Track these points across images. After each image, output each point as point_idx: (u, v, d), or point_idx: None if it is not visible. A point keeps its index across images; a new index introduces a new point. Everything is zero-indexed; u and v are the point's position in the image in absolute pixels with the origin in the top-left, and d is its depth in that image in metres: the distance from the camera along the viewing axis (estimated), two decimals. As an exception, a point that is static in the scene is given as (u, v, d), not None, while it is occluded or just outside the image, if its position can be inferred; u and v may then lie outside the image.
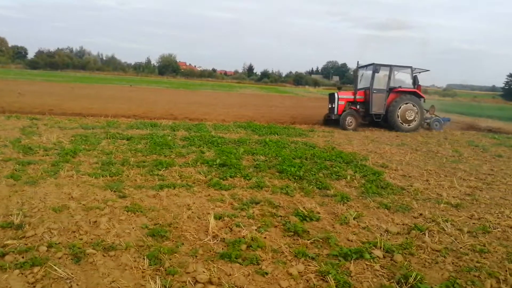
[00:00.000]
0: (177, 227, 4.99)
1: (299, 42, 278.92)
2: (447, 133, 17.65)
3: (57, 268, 3.76)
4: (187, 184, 6.89)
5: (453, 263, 4.54)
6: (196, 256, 4.25)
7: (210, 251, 4.41)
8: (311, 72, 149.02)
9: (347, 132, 16.19)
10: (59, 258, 4.03)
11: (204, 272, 3.89)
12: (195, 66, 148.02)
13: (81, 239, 4.46)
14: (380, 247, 4.72)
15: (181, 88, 52.55)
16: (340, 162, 9.42)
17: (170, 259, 4.13)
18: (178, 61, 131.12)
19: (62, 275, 3.70)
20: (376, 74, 17.26)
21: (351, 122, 16.94)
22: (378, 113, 17.30)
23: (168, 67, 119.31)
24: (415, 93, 17.42)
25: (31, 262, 3.87)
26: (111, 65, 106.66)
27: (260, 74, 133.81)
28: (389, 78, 17.23)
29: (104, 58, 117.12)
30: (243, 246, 4.48)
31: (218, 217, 5.31)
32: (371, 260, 4.44)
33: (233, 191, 6.68)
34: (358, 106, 17.43)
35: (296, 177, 7.73)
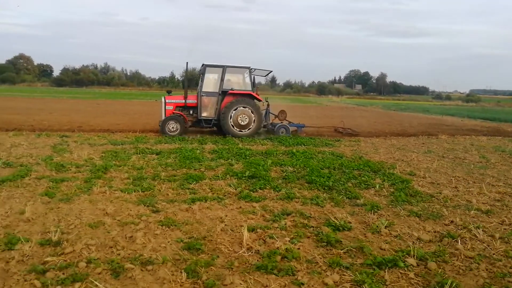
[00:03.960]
0: (211, 240, 5.06)
1: (321, 52, 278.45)
2: (473, 139, 17.35)
3: (98, 284, 3.87)
4: (218, 197, 6.98)
5: (487, 269, 4.52)
6: (232, 269, 4.31)
7: (246, 263, 4.47)
8: (334, 82, 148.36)
9: (373, 141, 16.06)
10: (99, 273, 4.13)
11: (241, 284, 3.96)
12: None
13: (119, 254, 4.57)
14: (413, 255, 4.72)
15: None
16: (368, 171, 9.41)
17: (207, 272, 4.20)
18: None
19: (103, 290, 3.81)
20: (207, 76, 15.73)
21: (173, 127, 15.12)
22: (208, 118, 15.70)
23: (192, 81, 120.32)
24: (251, 95, 15.65)
25: (72, 278, 3.98)
26: (136, 80, 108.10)
27: (282, 84, 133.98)
28: (222, 79, 15.45)
29: (128, 74, 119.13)
30: (278, 258, 4.53)
31: (251, 229, 5.38)
32: (405, 269, 4.44)
33: (264, 202, 6.75)
34: (191, 111, 15.81)
35: (326, 188, 7.76)
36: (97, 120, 19.88)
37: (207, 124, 15.77)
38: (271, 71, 16.99)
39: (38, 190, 7.05)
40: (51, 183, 7.55)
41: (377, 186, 8.02)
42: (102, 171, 8.54)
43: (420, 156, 12.17)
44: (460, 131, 20.82)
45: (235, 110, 15.26)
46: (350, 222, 5.87)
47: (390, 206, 6.84)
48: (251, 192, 7.32)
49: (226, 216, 5.99)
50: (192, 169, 9.09)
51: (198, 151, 11.46)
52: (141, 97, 52.96)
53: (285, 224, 5.70)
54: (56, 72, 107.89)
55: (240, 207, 6.47)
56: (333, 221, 5.76)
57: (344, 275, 4.25)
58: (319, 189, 7.71)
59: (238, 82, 16.10)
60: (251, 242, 4.97)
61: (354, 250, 4.89)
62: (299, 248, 4.86)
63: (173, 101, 15.78)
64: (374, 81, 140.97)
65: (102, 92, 69.20)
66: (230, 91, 15.44)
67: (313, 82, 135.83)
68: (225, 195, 7.15)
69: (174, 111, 15.56)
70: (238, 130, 15.39)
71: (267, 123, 16.87)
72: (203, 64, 15.66)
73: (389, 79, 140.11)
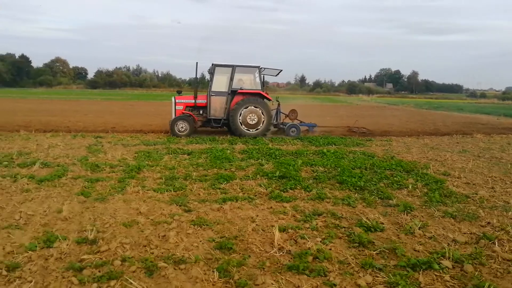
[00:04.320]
0: (242, 240, 5.09)
1: (352, 50, 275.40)
2: (510, 138, 16.84)
3: (132, 282, 3.95)
4: (249, 197, 7.01)
5: (525, 272, 4.38)
6: (263, 268, 4.33)
7: (277, 263, 4.47)
8: (364, 81, 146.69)
9: (406, 140, 15.78)
10: (133, 271, 4.21)
11: (273, 284, 3.97)
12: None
13: (152, 253, 4.65)
14: (449, 257, 4.62)
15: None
16: (400, 171, 9.26)
17: (239, 272, 4.23)
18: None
19: (137, 288, 3.88)
20: (217, 76, 15.65)
21: (182, 127, 15.17)
22: (217, 118, 15.68)
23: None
24: (261, 95, 15.61)
25: (108, 276, 4.07)
26: (167, 81, 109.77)
27: (312, 84, 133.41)
28: (231, 79, 15.41)
29: (160, 75, 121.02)
30: (309, 258, 4.51)
31: (282, 229, 5.38)
32: (441, 271, 4.35)
33: (295, 203, 6.73)
34: (201, 111, 15.86)
35: (357, 188, 7.68)
36: (130, 121, 20.26)
37: (217, 123, 15.79)
38: (281, 70, 16.79)
39: (74, 190, 7.24)
40: (86, 183, 7.74)
41: (410, 187, 7.88)
42: (135, 171, 8.70)
43: (455, 156, 11.88)
44: (496, 130, 20.28)
45: (244, 109, 15.26)
46: (382, 223, 5.79)
47: (424, 207, 6.72)
48: (282, 192, 7.32)
49: (257, 216, 6.01)
50: (222, 169, 9.15)
51: (228, 151, 11.53)
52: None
53: (316, 224, 5.68)
54: (90, 75, 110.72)
55: (271, 207, 6.48)
56: (365, 222, 5.70)
57: (377, 276, 4.20)
58: (350, 189, 7.64)
59: (248, 81, 16.07)
60: (282, 242, 4.97)
61: (387, 251, 4.83)
62: (330, 249, 4.83)
63: (183, 101, 15.83)
64: (405, 80, 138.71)
65: (134, 94, 70.47)
66: (239, 91, 15.41)
67: (343, 81, 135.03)
68: (255, 195, 7.17)
69: (184, 111, 15.61)
70: (247, 129, 15.37)
71: (278, 123, 16.90)
72: (212, 64, 15.56)
73: (421, 77, 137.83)
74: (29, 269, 4.20)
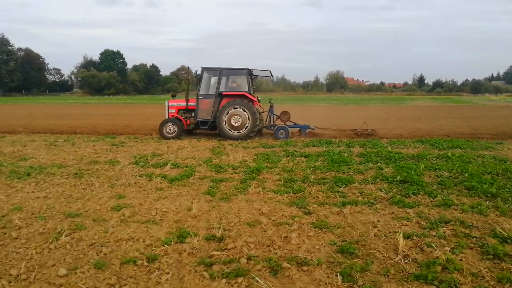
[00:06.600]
0: (364, 245, 5.03)
1: (475, 47, 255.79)
2: None
3: (259, 280, 4.13)
4: (369, 201, 6.89)
5: None
6: (388, 276, 4.24)
7: (403, 271, 4.35)
8: (491, 79, 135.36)
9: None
10: (259, 270, 4.39)
11: (398, 292, 3.87)
12: (362, 80, 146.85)
13: (276, 253, 4.80)
14: None
15: (350, 103, 52.45)
16: (539, 177, 8.38)
17: (362, 277, 4.19)
18: (345, 77, 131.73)
19: (263, 287, 4.04)
20: (205, 79, 15.92)
21: (170, 130, 15.53)
22: (205, 120, 15.71)
23: (336, 84, 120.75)
24: (246, 97, 15.30)
25: (235, 272, 4.30)
26: (281, 85, 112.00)
27: (432, 84, 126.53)
28: (219, 82, 15.49)
29: (275, 79, 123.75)
30: (438, 268, 4.31)
31: (407, 236, 5.20)
32: None
33: (418, 209, 6.46)
34: (193, 114, 16.00)
35: (488, 195, 7.10)
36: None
37: (204, 125, 15.98)
38: (268, 71, 16.67)
39: (201, 189, 7.73)
40: (211, 183, 8.23)
41: (552, 195, 7.11)
42: (255, 173, 9.02)
43: None
44: None
45: (229, 111, 15.31)
46: (520, 234, 5.32)
47: None
48: (404, 198, 7.06)
49: (379, 221, 5.89)
50: (340, 172, 9.10)
51: (345, 154, 11.41)
52: (286, 101, 54.44)
53: (444, 232, 5.39)
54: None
55: (393, 213, 6.29)
56: (500, 232, 5.27)
57: (515, 292, 3.89)
58: (480, 196, 7.11)
59: (237, 83, 16.19)
60: (407, 249, 4.82)
61: (527, 265, 4.43)
62: (461, 259, 4.56)
63: (175, 104, 16.41)
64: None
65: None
66: (224, 93, 15.56)
67: (466, 80, 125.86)
68: (376, 200, 7.02)
69: (176, 114, 16.16)
70: (232, 131, 15.40)
71: (269, 124, 16.77)
72: (201, 68, 15.96)
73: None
74: (166, 261, 4.60)
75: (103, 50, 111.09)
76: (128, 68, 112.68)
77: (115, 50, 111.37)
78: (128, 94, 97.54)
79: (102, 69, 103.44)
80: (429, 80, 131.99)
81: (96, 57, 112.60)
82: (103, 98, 76.80)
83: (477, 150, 12.45)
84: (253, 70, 16.06)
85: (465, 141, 14.31)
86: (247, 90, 15.53)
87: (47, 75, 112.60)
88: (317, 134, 16.81)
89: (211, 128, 16.07)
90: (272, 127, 16.51)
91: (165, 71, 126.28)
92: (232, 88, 16.04)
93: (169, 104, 16.48)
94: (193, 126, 16.33)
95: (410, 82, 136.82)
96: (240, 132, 15.36)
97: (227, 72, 15.94)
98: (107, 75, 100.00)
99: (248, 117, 15.26)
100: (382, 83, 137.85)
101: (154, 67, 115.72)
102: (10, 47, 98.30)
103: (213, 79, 16.04)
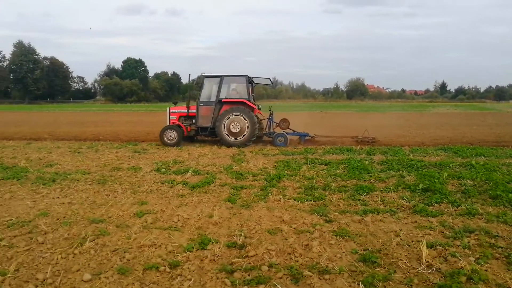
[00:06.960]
0: (387, 254, 4.99)
1: (499, 53, 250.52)
2: None
3: (280, 287, 4.14)
4: (391, 209, 6.83)
5: None
6: (411, 285, 4.20)
7: (426, 280, 4.29)
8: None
9: None
10: (280, 278, 4.39)
11: (421, 302, 3.83)
12: (383, 88, 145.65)
13: (297, 261, 4.80)
14: None
15: (370, 111, 52.02)
16: None
17: (385, 287, 4.16)
18: (366, 84, 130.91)
19: (285, 294, 4.05)
20: (206, 86, 16.09)
21: (171, 136, 15.71)
22: (204, 127, 15.94)
23: (356, 91, 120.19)
24: (245, 104, 15.52)
25: (257, 280, 4.31)
26: (301, 92, 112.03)
27: (454, 91, 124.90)
28: (219, 89, 15.73)
29: (295, 87, 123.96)
30: (463, 278, 4.25)
31: (430, 246, 5.14)
32: None
33: (442, 218, 6.37)
34: (194, 121, 16.17)
35: (514, 204, 6.97)
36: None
37: (203, 132, 16.16)
38: (268, 78, 17.15)
39: (222, 196, 7.78)
40: (232, 190, 8.27)
41: None
42: (276, 180, 9.02)
43: None
44: None
45: (228, 118, 15.48)
46: (547, 245, 5.20)
47: None
48: (427, 206, 6.97)
49: (401, 230, 5.83)
50: (361, 180, 9.04)
51: (366, 162, 11.33)
52: (306, 108, 54.33)
53: (468, 242, 5.31)
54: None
55: (416, 222, 6.22)
56: (527, 243, 5.18)
57: (542, 304, 3.81)
58: (505, 206, 6.97)
59: (237, 90, 16.31)
60: (430, 259, 4.76)
61: (554, 277, 4.34)
62: (486, 270, 4.48)
63: (176, 111, 16.62)
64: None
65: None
66: (224, 100, 15.75)
67: (490, 86, 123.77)
68: (398, 208, 6.95)
69: (177, 121, 16.33)
70: (231, 138, 15.55)
71: (268, 132, 16.85)
72: (202, 75, 16.23)
73: None
74: (188, 268, 4.63)
75: (125, 58, 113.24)
76: (149, 76, 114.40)
77: (137, 58, 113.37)
78: (149, 101, 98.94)
79: (124, 77, 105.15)
80: (451, 87, 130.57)
81: (118, 65, 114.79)
82: (125, 105, 77.90)
83: (502, 158, 12.22)
84: (253, 77, 16.35)
85: (489, 149, 14.06)
86: (246, 97, 15.76)
87: (71, 83, 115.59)
88: (317, 141, 16.87)
89: (211, 135, 16.30)
90: (271, 134, 16.65)
91: (186, 79, 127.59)
92: (232, 95, 16.24)
93: (170, 111, 16.75)
94: (194, 133, 16.57)
95: (431, 89, 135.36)
96: (238, 138, 15.57)
97: (227, 80, 16.18)
98: (129, 83, 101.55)
99: (247, 124, 15.51)
100: (403, 90, 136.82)
101: (175, 75, 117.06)
102: (36, 56, 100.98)
103: (214, 86, 16.23)
